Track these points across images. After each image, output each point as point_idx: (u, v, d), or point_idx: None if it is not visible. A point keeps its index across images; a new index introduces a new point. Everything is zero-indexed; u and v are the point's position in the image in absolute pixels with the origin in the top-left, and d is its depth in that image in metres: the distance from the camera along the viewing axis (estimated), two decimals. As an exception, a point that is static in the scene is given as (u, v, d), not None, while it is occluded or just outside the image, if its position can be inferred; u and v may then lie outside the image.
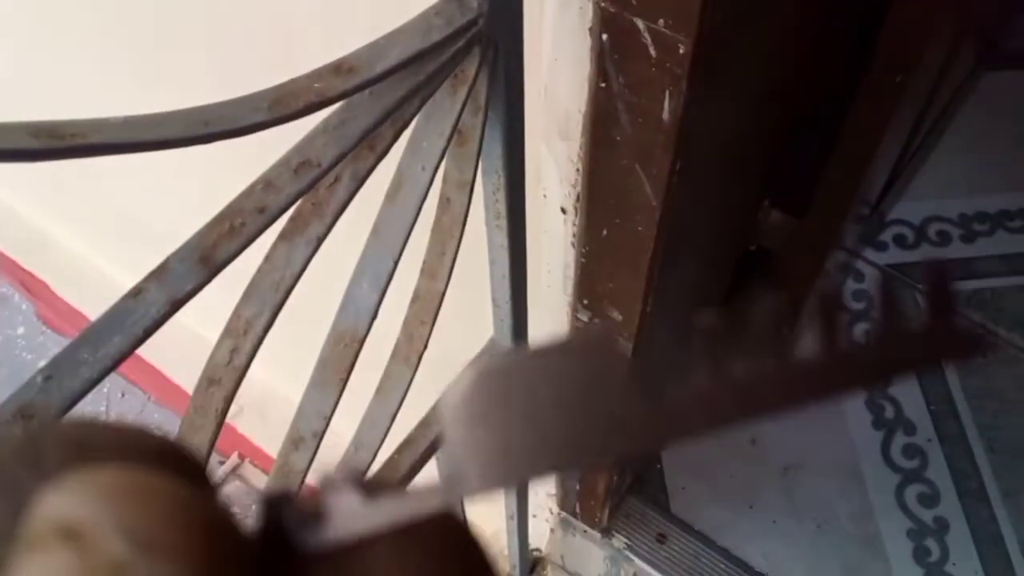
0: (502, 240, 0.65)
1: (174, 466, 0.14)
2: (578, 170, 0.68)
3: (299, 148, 0.46)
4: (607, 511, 1.20)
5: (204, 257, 0.43)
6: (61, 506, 0.13)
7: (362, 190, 0.50)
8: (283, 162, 0.46)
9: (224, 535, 0.14)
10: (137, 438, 0.15)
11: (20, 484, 0.13)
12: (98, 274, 1.64)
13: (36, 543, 0.13)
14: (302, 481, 0.56)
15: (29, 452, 0.14)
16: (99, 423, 0.15)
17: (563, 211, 0.73)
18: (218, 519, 0.14)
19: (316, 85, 0.43)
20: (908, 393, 1.32)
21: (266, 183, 0.45)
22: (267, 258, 0.49)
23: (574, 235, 0.74)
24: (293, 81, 0.42)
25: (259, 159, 0.45)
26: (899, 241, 1.45)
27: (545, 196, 0.74)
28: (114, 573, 0.12)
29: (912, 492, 1.24)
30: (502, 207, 0.63)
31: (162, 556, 0.13)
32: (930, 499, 1.23)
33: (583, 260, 0.75)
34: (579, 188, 0.69)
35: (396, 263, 0.55)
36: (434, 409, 0.73)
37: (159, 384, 1.81)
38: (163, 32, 0.92)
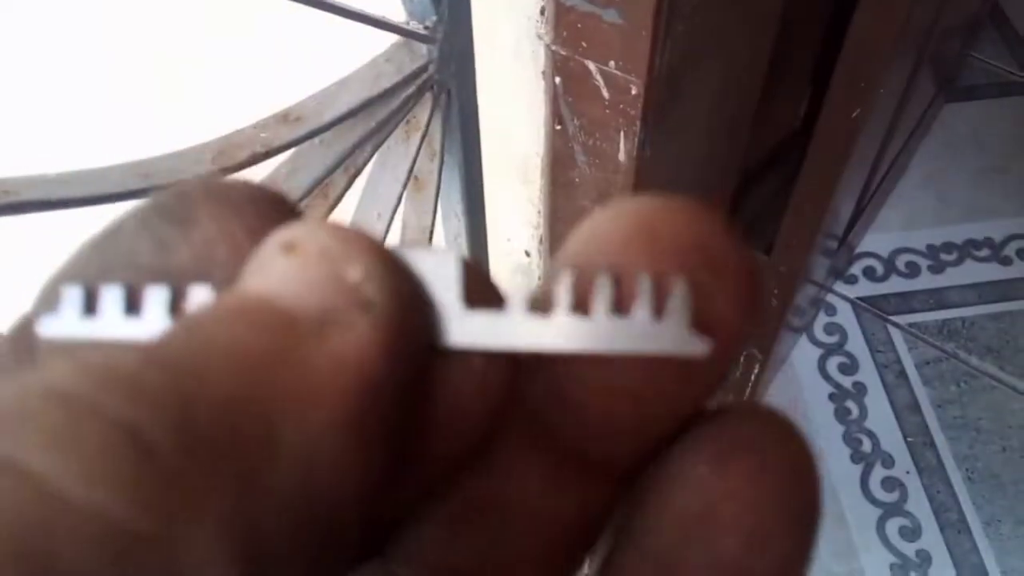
0: (465, 285, 0.64)
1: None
2: (539, 212, 0.67)
3: (249, 199, 0.45)
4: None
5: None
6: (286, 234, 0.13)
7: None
8: (233, 214, 0.45)
9: None
10: (266, 191, 0.14)
11: (168, 238, 0.13)
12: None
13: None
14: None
15: (177, 207, 0.14)
16: (236, 180, 0.14)
17: (527, 254, 0.73)
18: None
19: (262, 135, 0.42)
20: (884, 425, 1.31)
21: (215, 235, 0.44)
22: (220, 311, 0.48)
23: (539, 278, 0.74)
24: (238, 132, 0.42)
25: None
26: (868, 273, 1.46)
27: (509, 240, 0.73)
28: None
29: (893, 526, 1.23)
30: (464, 251, 0.63)
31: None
32: (911, 532, 1.22)
33: (549, 303, 0.74)
34: (541, 230, 0.69)
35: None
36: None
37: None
38: (112, 87, 0.91)
